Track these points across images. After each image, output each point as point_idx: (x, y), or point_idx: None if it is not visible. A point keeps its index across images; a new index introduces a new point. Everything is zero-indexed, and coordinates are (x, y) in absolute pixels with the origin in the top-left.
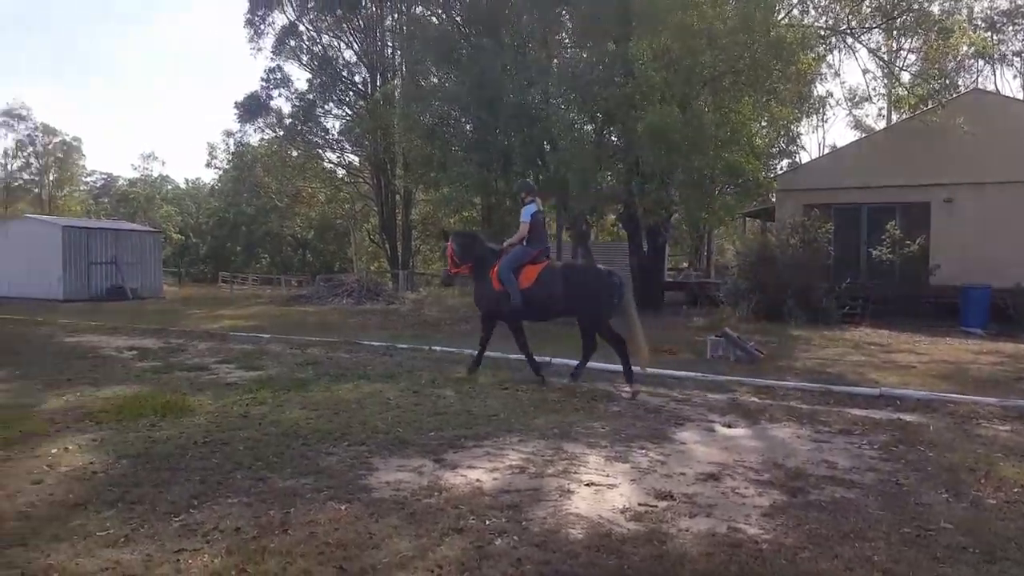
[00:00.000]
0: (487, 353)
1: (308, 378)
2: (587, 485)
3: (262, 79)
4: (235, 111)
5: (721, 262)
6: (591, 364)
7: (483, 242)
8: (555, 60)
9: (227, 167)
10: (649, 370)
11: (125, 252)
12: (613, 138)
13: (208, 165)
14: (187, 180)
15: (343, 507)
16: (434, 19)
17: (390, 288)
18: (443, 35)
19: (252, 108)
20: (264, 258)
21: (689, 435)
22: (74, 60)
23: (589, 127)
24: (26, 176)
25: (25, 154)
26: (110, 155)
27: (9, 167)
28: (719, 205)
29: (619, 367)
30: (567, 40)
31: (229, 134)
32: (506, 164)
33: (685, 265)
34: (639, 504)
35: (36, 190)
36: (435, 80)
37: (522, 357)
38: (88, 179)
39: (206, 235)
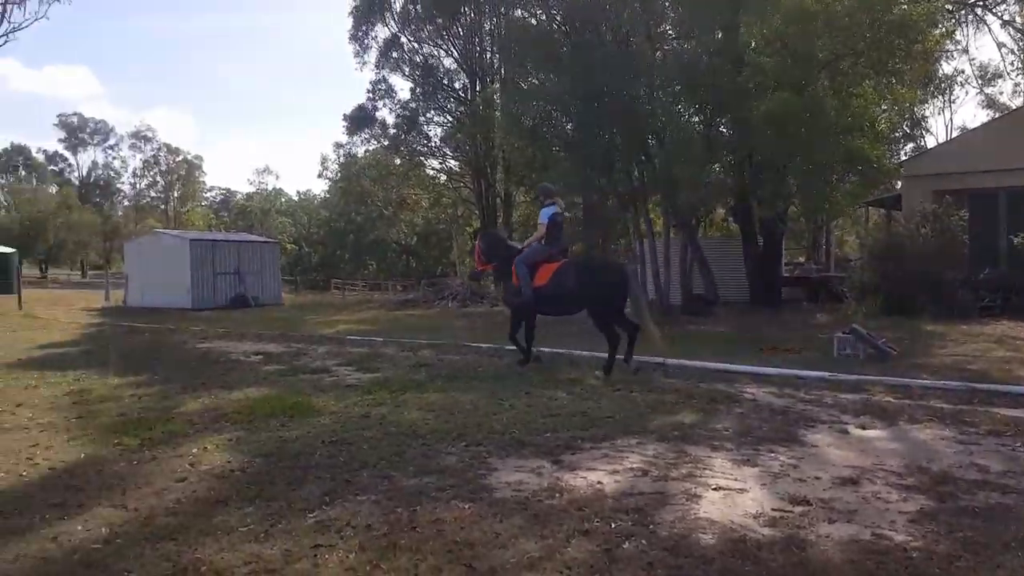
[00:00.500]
0: (590, 354)
1: (422, 379)
2: (715, 489)
3: (367, 91)
4: (343, 123)
5: (840, 255)
6: (705, 364)
7: (506, 242)
8: (659, 52)
9: (336, 178)
10: (771, 370)
11: (247, 262)
12: (723, 129)
13: (319, 176)
14: (298, 192)
15: (467, 506)
16: (533, 20)
17: (493, 291)
18: (542, 35)
19: (359, 120)
20: (371, 264)
21: (821, 437)
22: (192, 82)
23: (696, 119)
24: (153, 193)
25: (152, 173)
26: (228, 171)
27: (138, 186)
28: (841, 194)
29: (739, 367)
30: (671, 31)
31: (339, 146)
32: (609, 161)
33: (802, 259)
34: (773, 509)
35: (162, 206)
36: (535, 81)
37: (637, 357)
38: (208, 194)
39: (317, 244)
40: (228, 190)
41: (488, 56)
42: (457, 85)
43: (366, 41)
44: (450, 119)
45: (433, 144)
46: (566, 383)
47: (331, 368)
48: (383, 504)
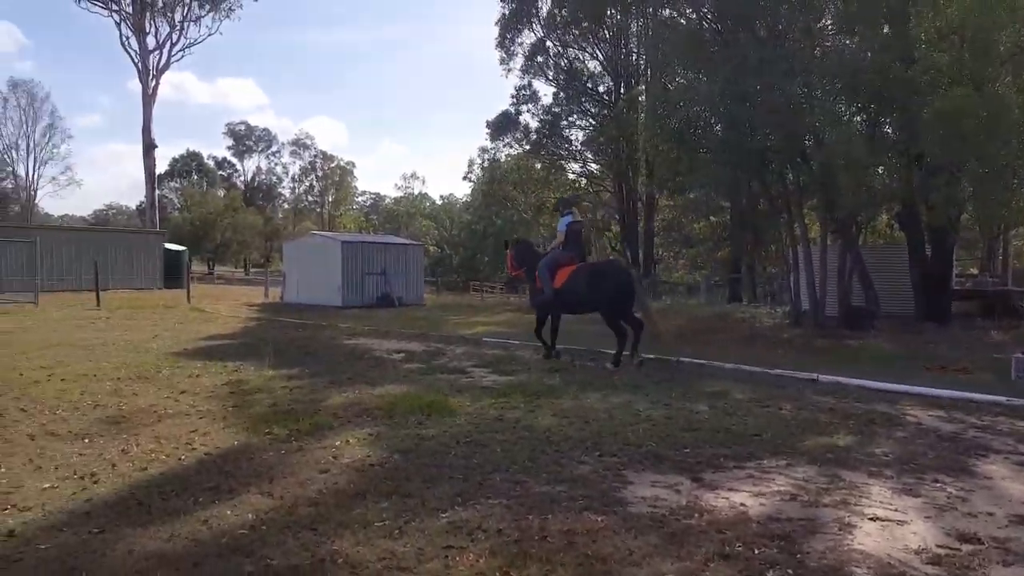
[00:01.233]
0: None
1: (556, 385)
2: (871, 519)
3: (511, 96)
4: (486, 129)
5: (1020, 267)
6: (863, 382)
7: (535, 250)
8: (818, 49)
9: (479, 182)
10: (939, 391)
11: (392, 264)
12: (888, 129)
13: (464, 178)
14: (441, 196)
15: (599, 519)
16: (682, 20)
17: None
18: (692, 34)
19: (502, 125)
20: None
21: (995, 468)
22: (346, 92)
23: (859, 118)
24: (310, 197)
25: (309, 179)
26: (377, 176)
27: (296, 190)
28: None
29: (902, 386)
30: (831, 26)
31: (484, 151)
32: (760, 164)
33: (975, 271)
34: (937, 545)
35: (318, 209)
36: (683, 81)
37: (780, 372)
38: (359, 199)
39: (458, 247)
40: (377, 194)
41: (634, 58)
42: (601, 88)
43: (512, 48)
44: (592, 122)
45: (574, 148)
46: (708, 396)
47: (467, 369)
48: (514, 510)
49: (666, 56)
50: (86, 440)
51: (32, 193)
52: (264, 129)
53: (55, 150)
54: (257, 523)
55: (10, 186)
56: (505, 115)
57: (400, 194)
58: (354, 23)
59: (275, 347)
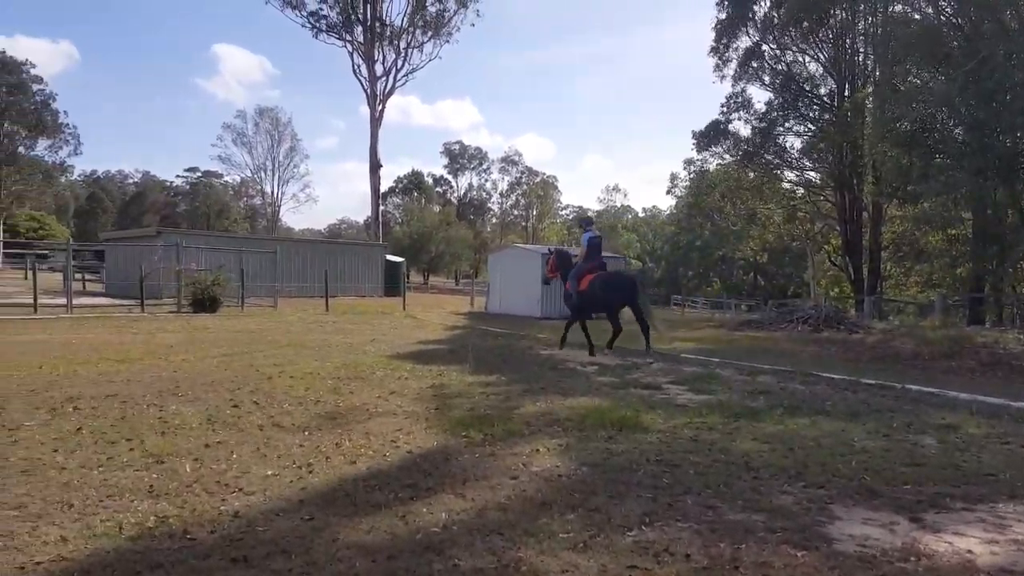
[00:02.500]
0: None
1: (759, 408)
2: None
3: (721, 105)
4: (692, 140)
5: None
6: None
7: (570, 258)
8: None
9: (683, 194)
10: None
11: None
12: None
13: (668, 192)
14: (644, 209)
15: (799, 554)
16: (916, 15)
17: (853, 316)
18: (927, 30)
19: (710, 135)
20: (715, 281)
21: None
22: (553, 108)
23: None
24: (516, 212)
25: (515, 194)
26: (580, 190)
27: (504, 205)
28: None
29: None
30: None
31: (689, 162)
32: (1009, 170)
33: None
34: None
35: (523, 223)
36: (916, 81)
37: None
38: (562, 212)
39: (660, 260)
40: (580, 207)
41: (860, 58)
42: (822, 91)
43: (726, 53)
44: (811, 128)
45: (790, 155)
46: (937, 428)
47: (662, 385)
48: (705, 535)
49: (897, 54)
50: (306, 433)
51: (276, 208)
52: (476, 148)
53: (296, 170)
54: (449, 523)
55: (259, 202)
56: (714, 124)
57: (602, 207)
58: (564, 39)
59: (476, 354)
